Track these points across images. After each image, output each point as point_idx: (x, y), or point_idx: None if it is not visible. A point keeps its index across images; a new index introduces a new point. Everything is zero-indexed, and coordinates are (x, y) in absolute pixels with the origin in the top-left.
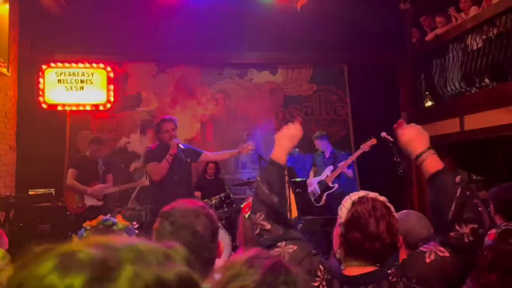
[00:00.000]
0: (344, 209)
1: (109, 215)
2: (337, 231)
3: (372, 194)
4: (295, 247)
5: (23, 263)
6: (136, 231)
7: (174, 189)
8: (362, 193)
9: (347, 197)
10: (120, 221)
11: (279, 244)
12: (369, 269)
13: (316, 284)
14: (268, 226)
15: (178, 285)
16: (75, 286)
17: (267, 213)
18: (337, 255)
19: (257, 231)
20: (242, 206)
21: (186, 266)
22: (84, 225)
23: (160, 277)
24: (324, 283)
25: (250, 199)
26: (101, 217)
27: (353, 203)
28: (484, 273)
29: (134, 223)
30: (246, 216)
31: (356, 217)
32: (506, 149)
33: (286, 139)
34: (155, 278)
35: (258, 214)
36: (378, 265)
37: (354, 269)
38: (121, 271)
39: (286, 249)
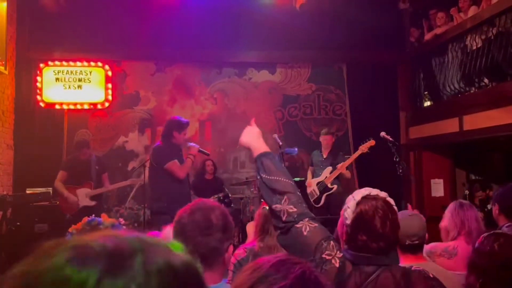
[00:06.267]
0: (349, 210)
1: (93, 215)
2: (343, 229)
3: (374, 192)
4: (316, 225)
5: (36, 256)
6: (124, 227)
7: (186, 188)
8: (364, 191)
9: (350, 196)
10: (105, 220)
11: (302, 219)
12: None
13: (333, 262)
14: (294, 209)
15: (185, 271)
16: (91, 277)
17: (289, 197)
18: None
19: (285, 217)
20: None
21: (187, 255)
22: (69, 230)
23: (169, 262)
24: (340, 263)
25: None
26: (85, 219)
27: (357, 204)
28: (467, 275)
29: (121, 219)
30: (266, 208)
31: (361, 218)
32: (504, 149)
33: (258, 135)
34: (166, 263)
35: (282, 201)
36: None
37: None
38: (134, 259)
39: (308, 224)
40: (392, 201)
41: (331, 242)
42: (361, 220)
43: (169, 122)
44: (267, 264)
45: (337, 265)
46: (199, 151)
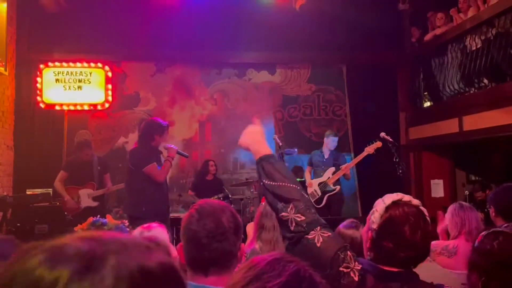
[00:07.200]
0: (376, 214)
1: (98, 216)
2: (367, 235)
3: (406, 198)
4: (330, 234)
5: (15, 259)
6: (128, 229)
7: (163, 190)
8: (396, 196)
9: (380, 200)
10: (110, 221)
11: (313, 229)
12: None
13: (351, 274)
14: (302, 217)
15: (159, 272)
16: (62, 277)
17: (295, 205)
18: (368, 257)
19: (293, 226)
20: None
21: (167, 256)
22: (75, 229)
23: (142, 265)
24: (359, 276)
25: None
26: (90, 219)
27: (387, 208)
28: (468, 274)
29: (125, 221)
30: (262, 204)
31: (390, 224)
32: (504, 149)
33: (260, 135)
34: (138, 266)
35: (289, 209)
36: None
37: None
38: (105, 261)
39: (321, 233)
40: (425, 211)
41: (348, 252)
42: (390, 226)
43: (149, 125)
44: (262, 262)
45: (356, 278)
46: (178, 153)
